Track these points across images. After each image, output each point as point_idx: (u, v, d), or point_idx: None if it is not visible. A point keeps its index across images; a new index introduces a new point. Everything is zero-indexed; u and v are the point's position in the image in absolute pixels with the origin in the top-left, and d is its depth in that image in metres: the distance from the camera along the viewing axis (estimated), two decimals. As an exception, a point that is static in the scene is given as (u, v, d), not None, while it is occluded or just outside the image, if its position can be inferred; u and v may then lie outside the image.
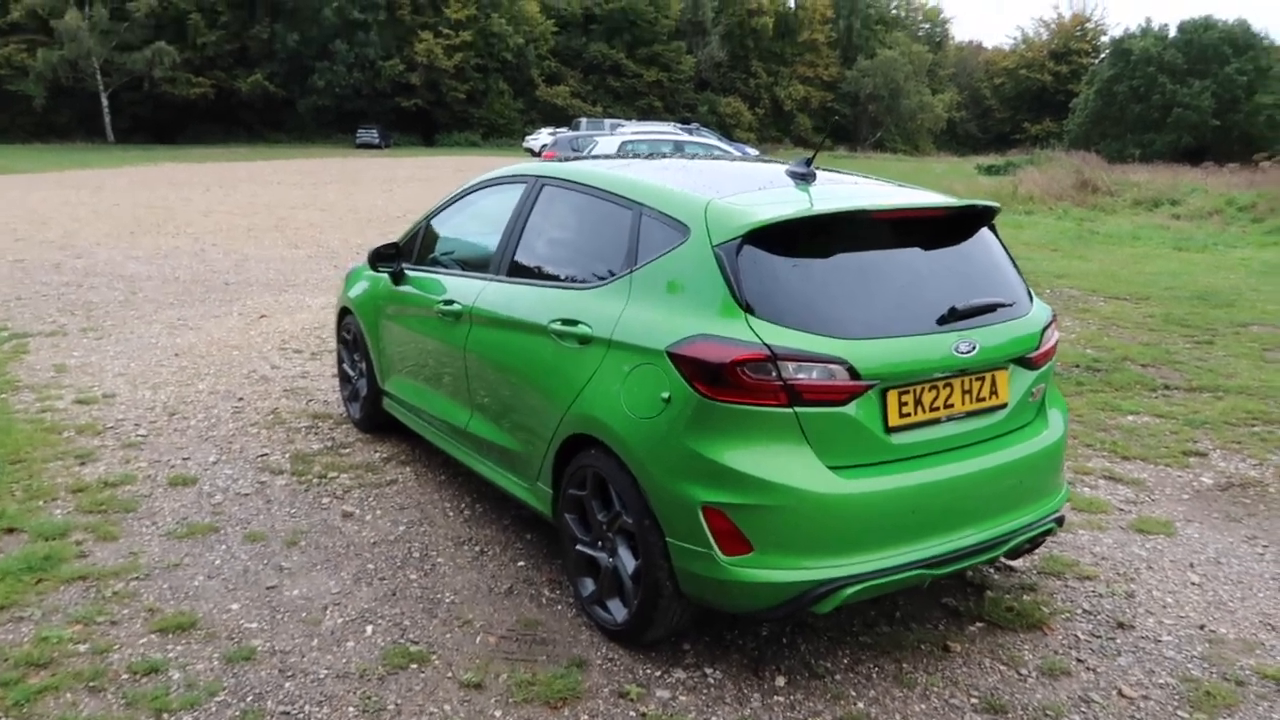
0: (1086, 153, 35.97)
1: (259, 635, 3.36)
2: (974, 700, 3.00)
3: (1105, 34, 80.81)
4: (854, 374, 2.88)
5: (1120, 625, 3.47)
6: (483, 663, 3.21)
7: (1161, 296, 9.86)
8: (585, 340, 3.33)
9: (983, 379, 3.19)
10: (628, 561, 3.24)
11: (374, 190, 24.21)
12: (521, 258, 3.95)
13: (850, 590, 2.88)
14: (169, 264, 11.65)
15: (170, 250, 12.84)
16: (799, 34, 75.41)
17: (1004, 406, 3.26)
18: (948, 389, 3.10)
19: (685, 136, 20.47)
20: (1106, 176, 22.34)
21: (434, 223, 4.83)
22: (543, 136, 47.81)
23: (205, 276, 10.80)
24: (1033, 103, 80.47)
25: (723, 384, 2.85)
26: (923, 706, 2.98)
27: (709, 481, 2.88)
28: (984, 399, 3.20)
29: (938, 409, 3.08)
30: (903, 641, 3.36)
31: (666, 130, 25.01)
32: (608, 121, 39.14)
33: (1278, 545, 4.21)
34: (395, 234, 15.10)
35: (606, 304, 3.32)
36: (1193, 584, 3.82)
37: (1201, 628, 3.47)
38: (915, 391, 3.03)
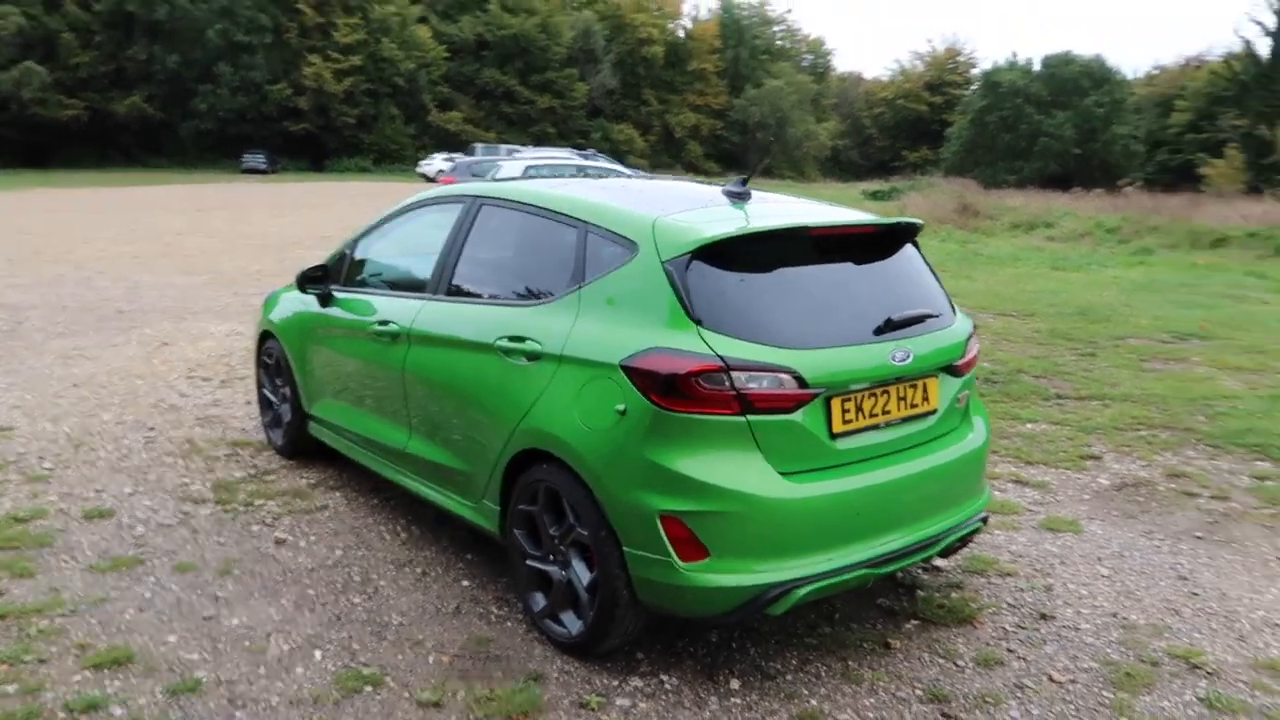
0: (964, 179, 37.78)
1: (202, 666, 3.27)
2: (918, 692, 3.16)
3: (975, 67, 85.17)
4: (801, 382, 3.02)
5: (1043, 616, 3.70)
6: (438, 682, 3.20)
7: (1046, 313, 10.45)
8: (534, 356, 3.38)
9: (915, 386, 3.37)
10: (582, 574, 3.29)
11: (264, 216, 23.56)
12: (461, 277, 3.97)
13: (803, 591, 2.99)
14: (54, 292, 11.11)
15: (54, 278, 12.24)
16: (688, 63, 76.95)
17: (934, 412, 3.45)
18: (885, 396, 3.27)
19: (585, 161, 20.64)
20: (985, 201, 23.51)
21: (362, 244, 4.80)
22: (437, 162, 47.43)
23: (96, 304, 10.35)
24: (910, 131, 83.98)
25: (678, 395, 2.95)
26: (871, 700, 3.11)
27: (666, 490, 2.96)
28: (916, 405, 3.38)
29: (876, 415, 3.25)
30: (845, 641, 3.50)
31: (564, 156, 25.15)
32: (504, 147, 39.11)
33: (1172, 538, 4.53)
34: (293, 260, 14.78)
35: (555, 320, 3.38)
36: (1103, 576, 4.09)
37: (1115, 615, 3.72)
38: (856, 398, 3.18)
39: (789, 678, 3.24)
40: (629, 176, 15.60)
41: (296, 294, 5.16)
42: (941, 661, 3.36)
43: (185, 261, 14.28)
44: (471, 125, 65.39)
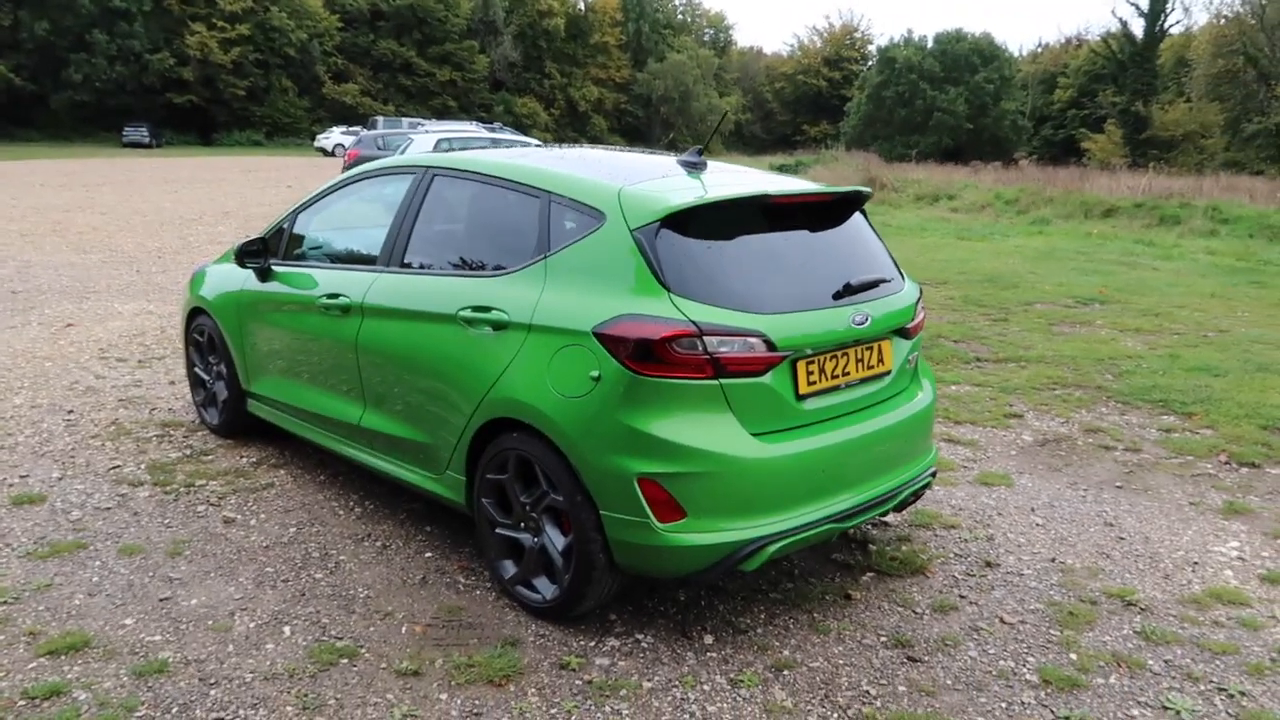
0: (865, 152, 38.68)
1: (166, 647, 3.19)
2: (882, 638, 3.31)
3: (871, 43, 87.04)
4: (771, 346, 3.11)
5: (988, 564, 3.90)
6: (414, 651, 3.20)
7: (957, 281, 10.86)
8: (501, 326, 3.38)
9: (871, 348, 3.50)
10: (556, 539, 3.32)
11: (155, 192, 22.53)
12: (416, 249, 3.92)
13: (774, 547, 3.10)
14: (-63, 272, 10.46)
15: (-66, 258, 11.51)
16: (590, 36, 76.41)
17: (888, 373, 3.59)
18: (845, 358, 3.39)
19: (501, 135, 20.37)
20: (889, 174, 24.16)
21: (303, 217, 4.68)
22: (335, 135, 46.17)
23: (-14, 285, 9.78)
24: (810, 106, 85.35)
25: (652, 360, 3.00)
26: (840, 649, 3.25)
27: (643, 454, 3.02)
28: (873, 366, 3.51)
29: (838, 376, 3.36)
30: (808, 594, 3.63)
31: (471, 129, 24.76)
32: (405, 120, 38.26)
33: (1095, 488, 4.82)
34: (195, 237, 14.27)
35: (520, 290, 3.38)
36: (1037, 525, 4.33)
37: (1053, 560, 3.95)
38: (820, 361, 3.29)
39: (759, 631, 3.35)
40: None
41: (229, 268, 5.01)
42: (900, 610, 3.52)
43: (78, 239, 13.59)
44: (369, 98, 63.69)
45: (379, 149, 21.10)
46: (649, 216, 3.18)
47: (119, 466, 4.79)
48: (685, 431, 3.02)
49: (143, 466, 4.80)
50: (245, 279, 4.78)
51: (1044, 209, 18.51)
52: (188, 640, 3.23)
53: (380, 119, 40.39)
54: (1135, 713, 2.90)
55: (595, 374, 3.07)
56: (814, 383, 3.28)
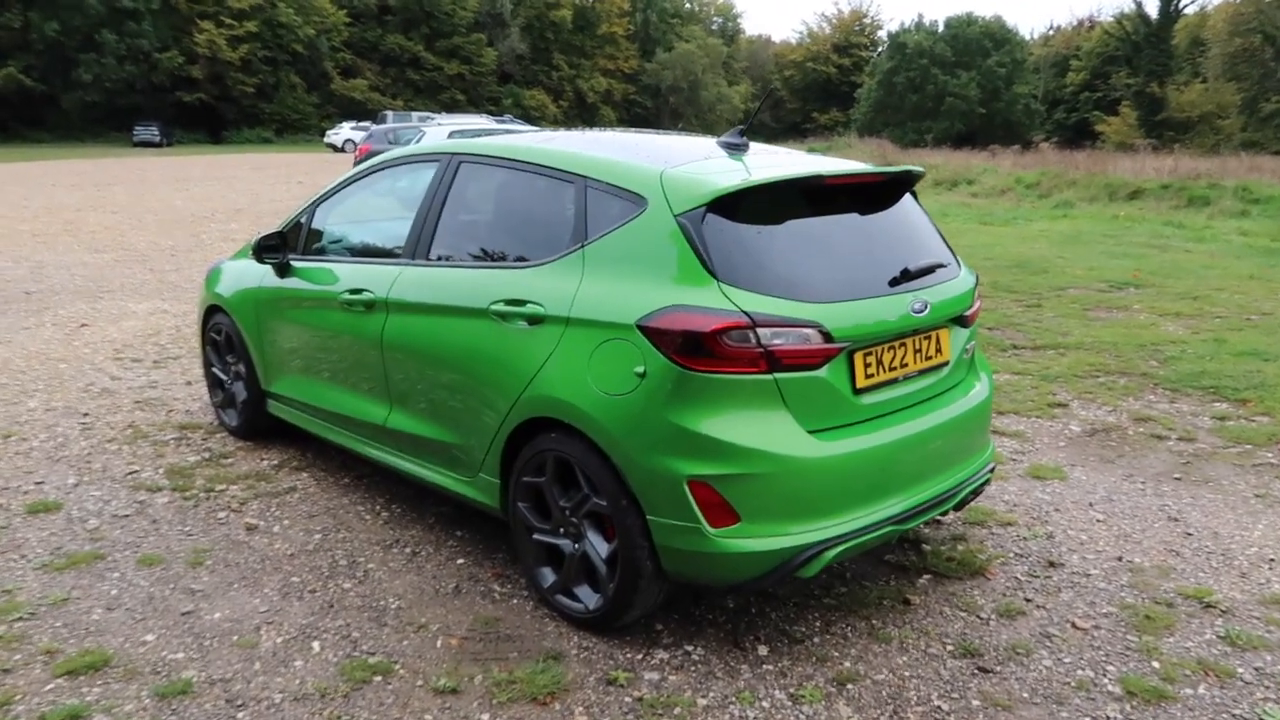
0: (878, 139, 38.29)
1: (190, 665, 3.02)
2: (949, 647, 3.10)
3: (881, 29, 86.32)
4: (827, 337, 2.90)
5: (1051, 564, 3.69)
6: (451, 666, 3.02)
7: (985, 267, 10.60)
8: (536, 320, 3.18)
9: (929, 337, 3.29)
10: (599, 545, 3.13)
11: (168, 190, 22.42)
12: (442, 240, 3.73)
13: (834, 552, 2.90)
14: (-50, 274, 10.34)
15: (-54, 259, 11.39)
16: (598, 27, 76.01)
17: (947, 364, 3.38)
18: (903, 348, 3.18)
19: (511, 126, 20.18)
20: (905, 159, 23.83)
21: (321, 209, 4.49)
22: (345, 131, 46.06)
23: (-1, 286, 9.66)
24: (820, 93, 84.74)
25: (703, 354, 2.80)
26: (904, 659, 3.05)
27: (693, 454, 2.82)
28: (931, 357, 3.30)
29: (896, 368, 3.16)
30: (864, 599, 3.43)
31: (481, 121, 24.57)
32: (415, 114, 38.07)
33: (1153, 481, 4.60)
34: (207, 235, 14.12)
35: (557, 281, 3.18)
36: (1098, 521, 4.11)
37: (1119, 559, 3.74)
38: (877, 352, 3.08)
39: (816, 640, 3.15)
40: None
41: (246, 265, 4.83)
42: (964, 615, 3.31)
43: (90, 238, 13.47)
44: (378, 93, 63.54)
45: (390, 143, 20.93)
46: (694, 201, 2.97)
47: (136, 471, 4.62)
48: (738, 430, 2.82)
49: (161, 471, 4.63)
50: (263, 275, 4.60)
51: (1067, 192, 18.17)
52: (212, 658, 3.06)
53: (390, 114, 40.21)
54: (1230, 727, 2.69)
55: (640, 370, 2.87)
56: (871, 375, 3.07)
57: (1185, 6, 55.99)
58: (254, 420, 4.93)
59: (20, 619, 3.27)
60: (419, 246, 3.78)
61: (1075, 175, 19.25)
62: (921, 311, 3.16)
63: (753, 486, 2.82)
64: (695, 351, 2.80)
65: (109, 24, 52.32)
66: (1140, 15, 55.78)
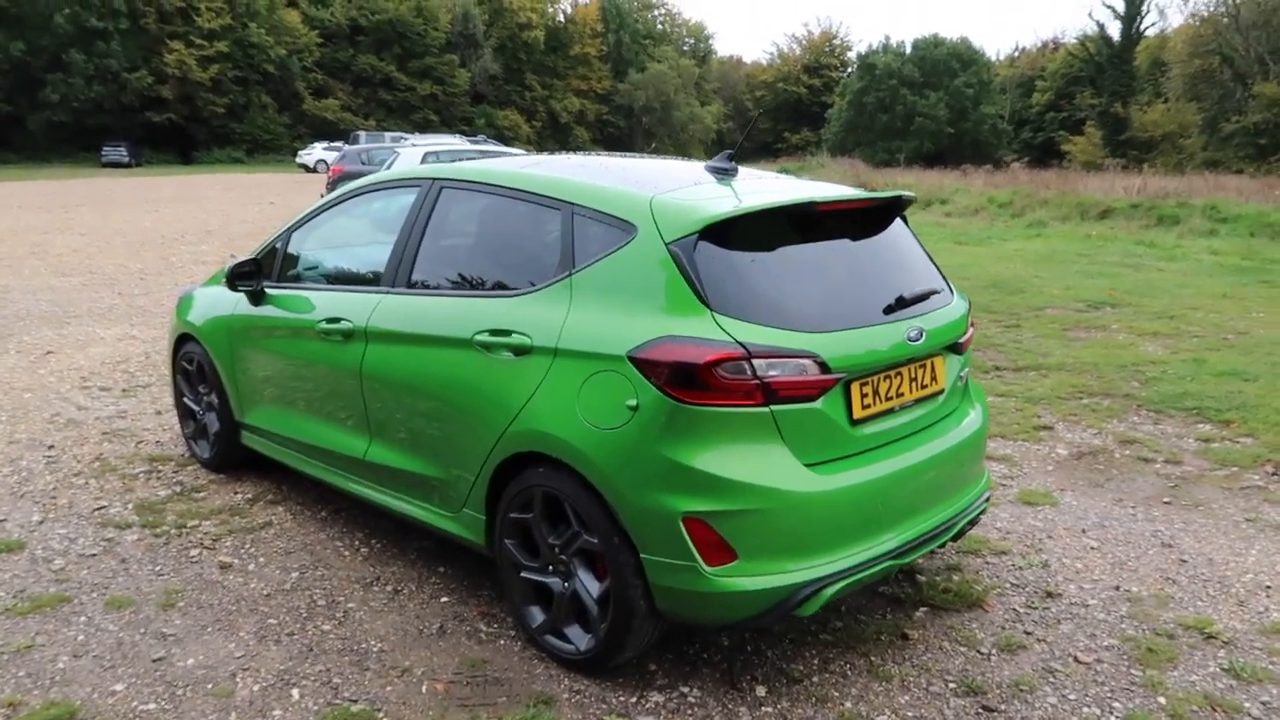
0: (850, 159, 38.57)
1: (162, 717, 2.87)
2: (951, 685, 3.02)
3: (850, 50, 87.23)
4: (824, 368, 2.83)
5: (1049, 594, 3.62)
6: (438, 713, 2.89)
7: (962, 287, 10.55)
8: (522, 350, 3.09)
9: (924, 366, 3.23)
10: (590, 584, 3.02)
11: (137, 212, 22.09)
12: (423, 267, 3.62)
13: (833, 589, 2.81)
14: (-90, 300, 10.07)
15: (-94, 284, 11.11)
16: (571, 47, 76.28)
17: (942, 392, 3.32)
18: (899, 377, 3.11)
19: (480, 146, 20.09)
20: (878, 179, 24.00)
21: (296, 236, 4.37)
22: (317, 151, 45.78)
23: (-39, 312, 9.40)
24: (791, 113, 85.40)
25: (697, 386, 2.71)
26: (906, 698, 2.96)
27: (688, 490, 2.73)
28: (926, 386, 3.24)
29: (892, 398, 3.09)
30: (861, 634, 3.34)
31: (454, 141, 24.45)
32: (388, 135, 37.91)
33: (1143, 505, 4.56)
34: (178, 258, 13.90)
35: (544, 310, 3.09)
36: (1092, 548, 4.05)
37: (1117, 588, 3.68)
38: (874, 382, 3.01)
39: (815, 680, 3.06)
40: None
41: (219, 291, 4.70)
42: (964, 650, 3.23)
43: (57, 261, 13.20)
44: (350, 113, 63.25)
45: (363, 164, 20.78)
46: (686, 228, 2.89)
47: (104, 507, 4.46)
48: (734, 465, 2.73)
49: (130, 506, 4.47)
50: (236, 303, 4.46)
51: (1039, 211, 18.33)
52: (185, 708, 2.91)
53: (363, 134, 40.02)
54: (1242, 766, 2.62)
55: (632, 403, 2.78)
56: (868, 406, 3.00)
57: (1146, 28, 57.12)
58: (227, 452, 4.78)
59: (-20, 668, 3.11)
60: (399, 274, 3.68)
61: (1047, 195, 19.44)
62: (917, 340, 3.10)
63: (750, 523, 2.73)
64: (689, 383, 2.71)
65: (77, 44, 51.78)
66: (1103, 37, 56.79)
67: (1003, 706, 2.90)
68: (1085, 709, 2.88)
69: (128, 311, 9.53)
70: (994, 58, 77.31)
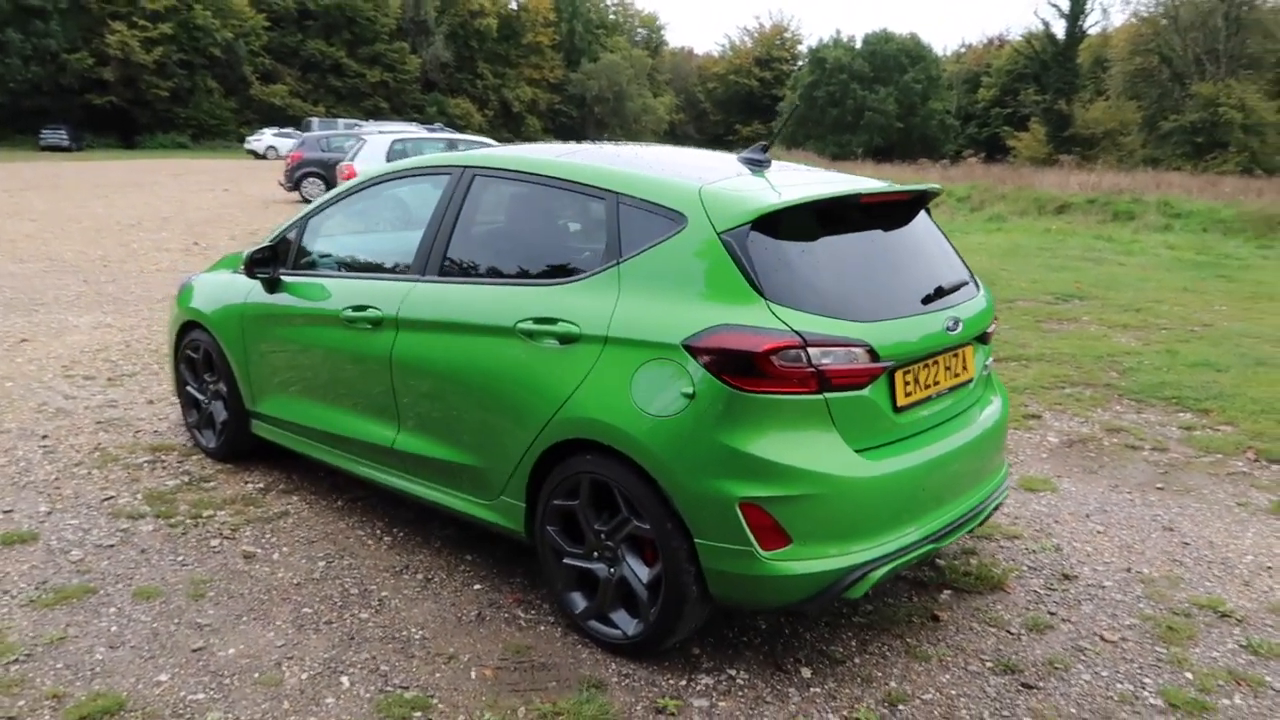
0: (803, 152, 38.91)
1: (213, 707, 2.85)
2: (989, 664, 3.12)
3: (801, 43, 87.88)
4: (874, 356, 2.90)
5: (1066, 577, 3.75)
6: (491, 699, 2.92)
7: (933, 279, 10.82)
8: (569, 339, 3.11)
9: (958, 355, 3.32)
10: (640, 570, 3.07)
11: (86, 196, 21.49)
12: (457, 255, 3.62)
13: (880, 572, 2.89)
14: None
15: None
16: (523, 36, 75.62)
17: (971, 381, 3.42)
18: (936, 366, 3.20)
19: (443, 135, 19.90)
20: (836, 171, 24.21)
21: (314, 222, 4.33)
22: (267, 137, 44.90)
23: (-80, 299, 9.10)
24: (743, 106, 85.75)
25: (754, 374, 2.77)
26: (947, 677, 3.06)
27: (745, 476, 2.78)
28: (959, 375, 3.33)
29: (930, 386, 3.18)
30: (894, 616, 3.43)
31: (413, 130, 24.18)
32: (340, 122, 37.33)
33: (1138, 491, 4.73)
34: (138, 244, 13.60)
35: (591, 299, 3.12)
36: (1099, 532, 4.20)
37: (1129, 570, 3.82)
38: (915, 370, 3.10)
39: (857, 661, 3.14)
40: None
41: (227, 278, 4.65)
42: (994, 630, 3.34)
43: (11, 247, 12.81)
44: (298, 99, 62.00)
45: (323, 151, 20.49)
46: (738, 218, 2.94)
47: (113, 497, 4.38)
48: (790, 451, 2.79)
49: (139, 497, 4.40)
50: (250, 290, 4.41)
51: (998, 205, 18.73)
52: (236, 698, 2.90)
53: (315, 120, 39.35)
54: (1272, 735, 2.76)
55: (688, 390, 2.82)
56: (910, 394, 3.08)
57: (1090, 27, 58.42)
58: (235, 442, 4.73)
59: (16, 661, 3.05)
60: (430, 262, 3.67)
61: (1004, 189, 19.86)
62: (955, 330, 3.19)
63: (804, 508, 2.80)
64: (746, 371, 2.77)
65: (14, 23, 49.97)
66: (1047, 34, 57.99)
67: (1040, 684, 3.01)
68: (1119, 685, 3.00)
69: (97, 299, 9.30)
70: (941, 54, 78.48)
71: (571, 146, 3.75)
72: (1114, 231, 15.64)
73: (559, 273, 3.31)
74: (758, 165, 3.46)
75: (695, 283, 2.96)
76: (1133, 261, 12.62)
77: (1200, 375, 6.70)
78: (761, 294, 2.86)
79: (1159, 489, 4.75)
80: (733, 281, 2.89)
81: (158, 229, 15.46)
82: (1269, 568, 3.86)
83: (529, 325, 3.22)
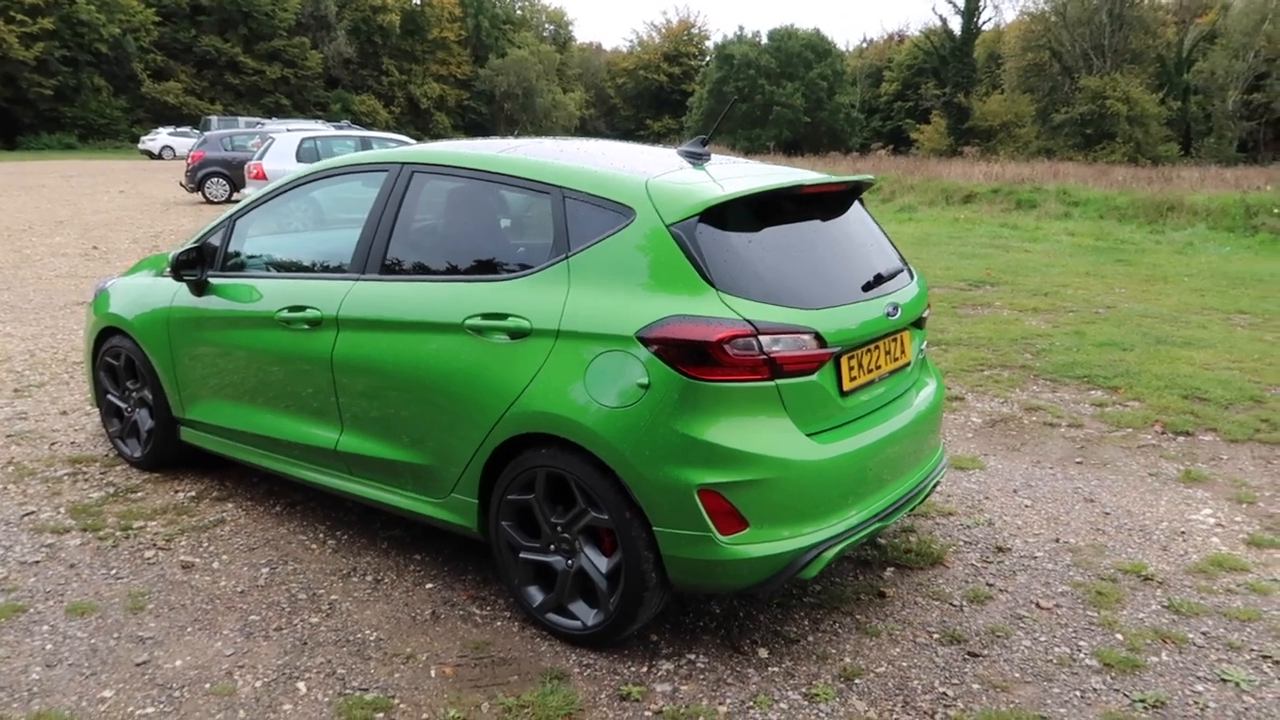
0: (719, 146, 39.22)
1: (164, 720, 2.78)
2: (935, 636, 3.24)
3: (708, 39, 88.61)
4: (821, 342, 2.98)
5: (1000, 550, 3.91)
6: (453, 696, 2.91)
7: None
8: (520, 334, 3.11)
9: (896, 340, 3.43)
10: (598, 561, 3.09)
11: (-31, 201, 20.39)
12: (398, 253, 3.58)
13: (833, 551, 2.98)
14: None
15: None
16: (428, 31, 74.44)
17: (909, 364, 3.54)
18: (877, 350, 3.30)
19: (351, 133, 19.49)
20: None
21: (241, 223, 4.21)
22: (162, 137, 43.25)
23: None
24: (652, 101, 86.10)
25: (709, 362, 2.82)
26: (897, 650, 3.16)
27: (702, 463, 2.83)
28: (898, 359, 3.45)
29: (872, 371, 3.28)
30: (842, 595, 3.53)
31: (319, 127, 23.63)
32: (241, 120, 36.19)
33: (1059, 465, 4.95)
34: (32, 250, 12.99)
35: (541, 294, 3.12)
36: (1026, 506, 4.39)
37: (1057, 540, 4.01)
38: (858, 355, 3.19)
39: (810, 639, 3.23)
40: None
41: (148, 282, 4.50)
42: (938, 604, 3.47)
43: (-108, 256, 12.10)
44: (194, 97, 59.84)
45: (227, 150, 19.87)
46: (686, 211, 2.99)
47: (33, 512, 4.20)
48: (745, 437, 2.86)
49: (62, 510, 4.22)
50: (175, 294, 4.27)
51: (907, 196, 19.27)
52: (188, 710, 2.83)
53: (214, 119, 38.03)
54: (1200, 688, 2.94)
55: (643, 381, 2.86)
56: (855, 378, 3.17)
57: (984, 23, 60.35)
58: (162, 450, 4.57)
59: (-55, 685, 2.92)
60: (370, 260, 3.62)
61: (913, 180, 20.44)
62: (894, 315, 3.30)
63: (761, 492, 2.86)
64: (701, 361, 2.82)
65: (-123, 17, 47.05)
66: (945, 30, 59.70)
67: (985, 652, 3.14)
68: (1057, 649, 3.15)
69: (51, 306, 8.86)
70: (845, 49, 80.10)
71: (512, 141, 3.74)
72: (1018, 220, 16.27)
73: (506, 268, 3.31)
74: (698, 159, 3.50)
75: (645, 274, 2.99)
76: (1037, 248, 13.14)
77: (1107, 354, 7.03)
78: (712, 284, 2.91)
79: (1078, 463, 4.98)
80: (683, 272, 2.94)
81: (52, 233, 14.77)
82: (1182, 533, 4.09)
83: (478, 321, 3.20)
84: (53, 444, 5.09)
